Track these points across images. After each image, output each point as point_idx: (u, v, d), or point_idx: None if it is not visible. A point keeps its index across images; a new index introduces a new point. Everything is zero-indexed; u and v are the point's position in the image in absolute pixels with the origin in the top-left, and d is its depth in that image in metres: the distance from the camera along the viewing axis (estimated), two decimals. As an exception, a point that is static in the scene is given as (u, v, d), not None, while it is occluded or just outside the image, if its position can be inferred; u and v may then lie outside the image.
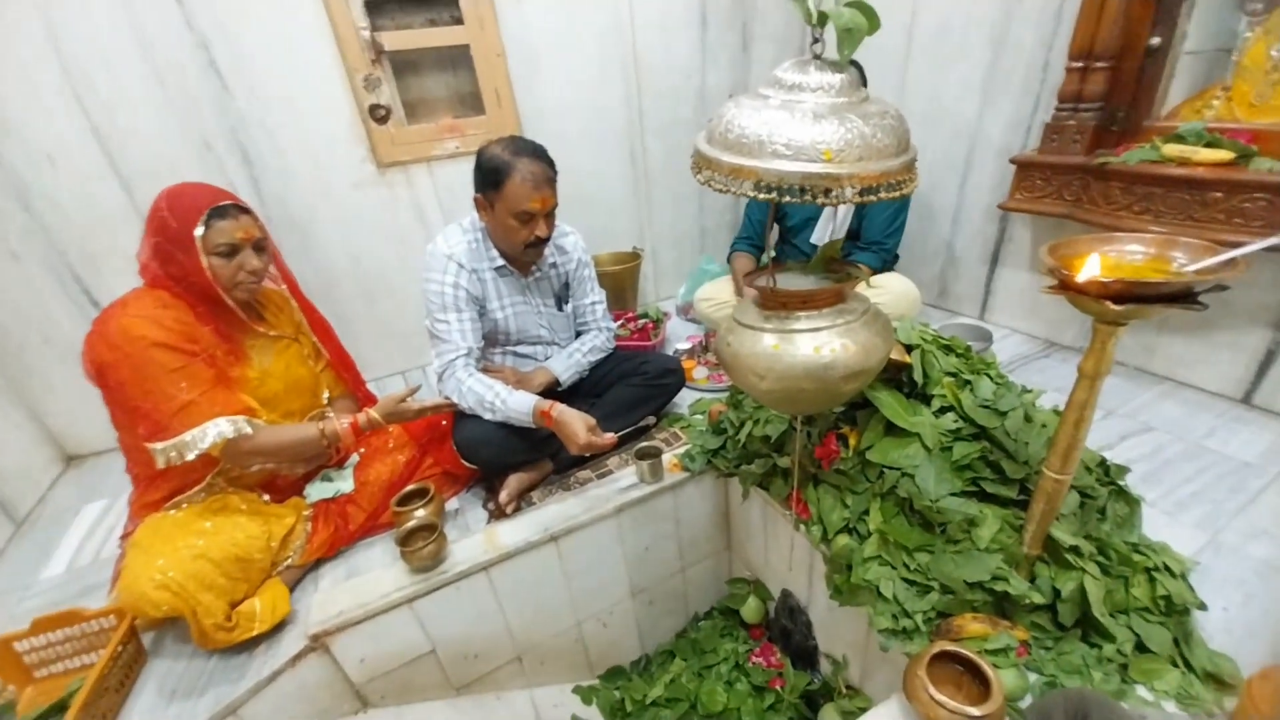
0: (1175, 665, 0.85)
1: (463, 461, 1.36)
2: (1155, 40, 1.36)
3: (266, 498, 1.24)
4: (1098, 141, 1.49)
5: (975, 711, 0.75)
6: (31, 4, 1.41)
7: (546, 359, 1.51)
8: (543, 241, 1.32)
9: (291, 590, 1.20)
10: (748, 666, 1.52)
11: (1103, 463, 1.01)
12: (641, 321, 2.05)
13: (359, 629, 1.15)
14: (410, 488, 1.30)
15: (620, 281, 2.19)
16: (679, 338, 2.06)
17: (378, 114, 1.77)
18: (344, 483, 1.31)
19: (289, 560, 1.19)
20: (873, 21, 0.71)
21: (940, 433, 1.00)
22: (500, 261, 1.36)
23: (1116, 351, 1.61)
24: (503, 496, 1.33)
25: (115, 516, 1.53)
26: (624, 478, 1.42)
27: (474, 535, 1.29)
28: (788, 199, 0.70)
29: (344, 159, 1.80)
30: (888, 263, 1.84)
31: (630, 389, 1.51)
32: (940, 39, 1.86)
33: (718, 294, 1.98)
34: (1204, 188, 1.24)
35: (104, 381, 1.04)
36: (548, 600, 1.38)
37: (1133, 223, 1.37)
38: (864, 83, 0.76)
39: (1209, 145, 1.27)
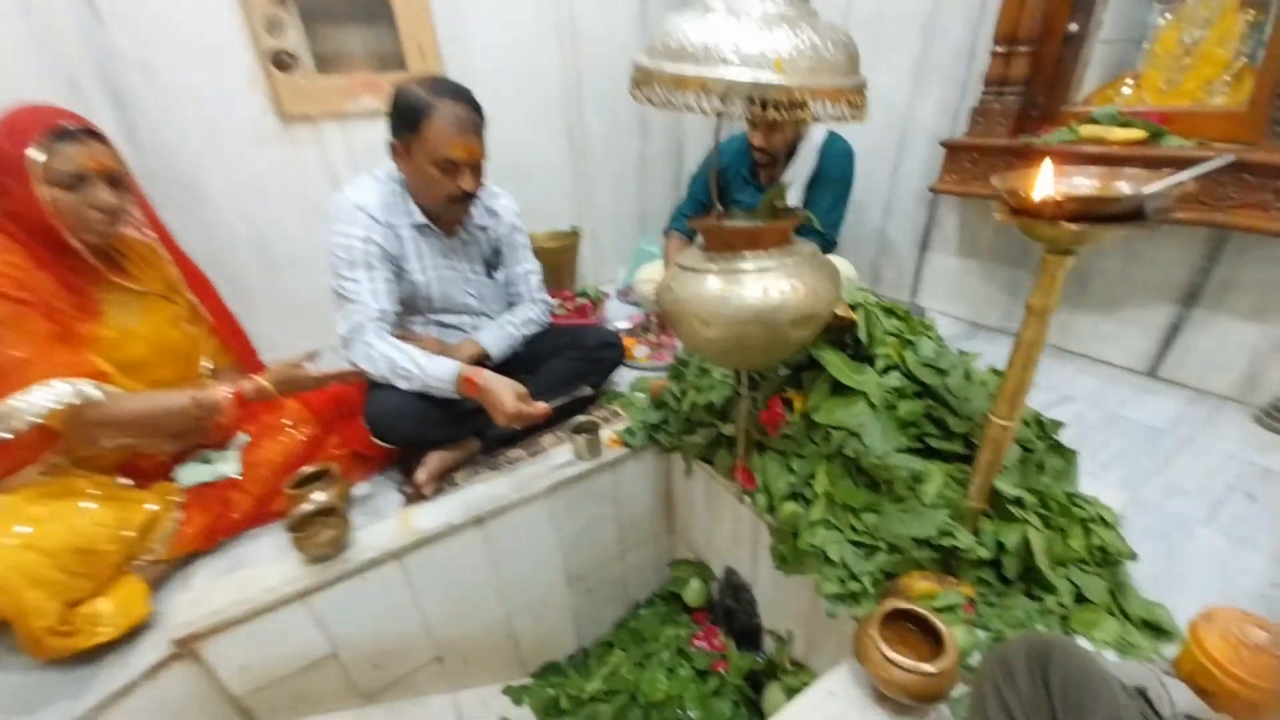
0: (1112, 615, 0.85)
1: (374, 439, 1.20)
2: (1073, 27, 1.43)
3: (126, 481, 1.04)
4: (1021, 125, 1.55)
5: (930, 668, 0.71)
6: None
7: (475, 330, 1.38)
8: (469, 197, 1.20)
9: (155, 589, 1.01)
10: (690, 651, 1.45)
11: (1038, 419, 1.02)
12: (580, 301, 1.95)
13: (239, 631, 0.98)
14: (308, 468, 1.13)
15: (557, 260, 2.09)
16: (619, 318, 1.97)
17: (281, 60, 1.57)
18: (226, 465, 1.13)
19: (152, 554, 1.00)
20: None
21: (885, 391, 0.97)
22: (421, 219, 1.23)
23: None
24: (421, 475, 1.19)
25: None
26: (559, 455, 1.31)
27: (386, 520, 1.14)
28: (734, 116, 0.64)
29: (240, 108, 1.59)
30: (828, 250, 1.85)
31: (567, 362, 1.40)
32: (873, 29, 1.90)
33: (658, 274, 1.92)
34: (1121, 164, 1.31)
35: None
36: (472, 591, 1.24)
37: (1053, 200, 1.42)
38: None
39: (1122, 126, 1.34)
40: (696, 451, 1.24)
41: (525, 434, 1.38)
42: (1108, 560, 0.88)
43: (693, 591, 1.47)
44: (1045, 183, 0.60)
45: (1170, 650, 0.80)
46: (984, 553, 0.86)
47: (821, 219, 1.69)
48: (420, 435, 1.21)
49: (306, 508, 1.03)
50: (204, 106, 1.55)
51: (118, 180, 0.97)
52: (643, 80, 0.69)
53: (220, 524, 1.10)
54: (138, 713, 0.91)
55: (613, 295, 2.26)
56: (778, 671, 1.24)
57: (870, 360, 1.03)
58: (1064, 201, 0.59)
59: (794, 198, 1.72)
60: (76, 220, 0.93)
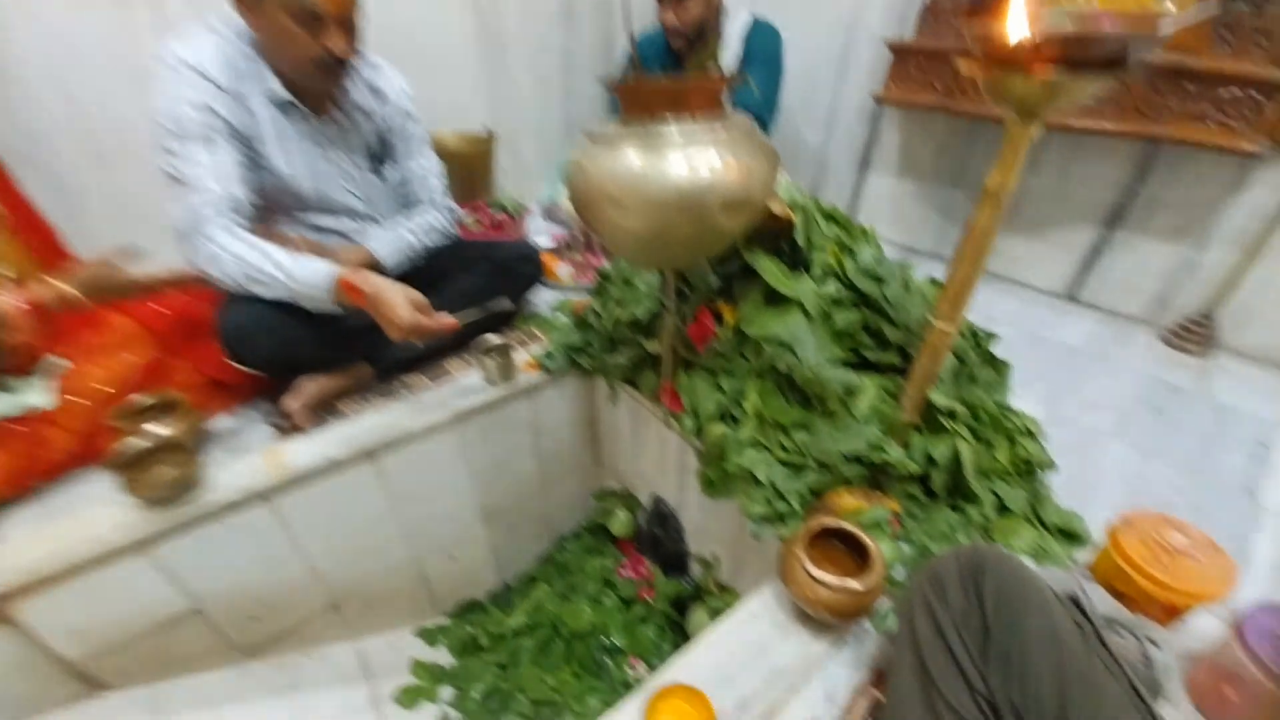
0: (1030, 524, 0.85)
1: (230, 362, 1.00)
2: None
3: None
4: (970, 26, 1.45)
5: (857, 585, 0.66)
6: None
7: (361, 236, 1.16)
8: (339, 64, 0.96)
9: (-60, 548, 0.80)
10: (616, 581, 1.40)
11: (973, 330, 0.97)
12: (496, 215, 1.74)
13: (63, 589, 0.81)
14: (145, 399, 0.92)
15: (470, 168, 1.84)
16: (541, 234, 1.78)
17: None
18: (35, 395, 0.90)
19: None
20: None
21: (822, 300, 0.88)
22: (283, 93, 0.97)
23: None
24: (290, 402, 1.01)
25: None
26: (467, 380, 1.16)
27: (248, 456, 0.97)
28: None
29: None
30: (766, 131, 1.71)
31: (476, 278, 1.22)
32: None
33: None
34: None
35: None
36: (369, 533, 1.11)
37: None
38: None
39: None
40: (620, 373, 1.13)
41: (428, 357, 1.22)
42: (1029, 471, 0.86)
43: (619, 522, 1.41)
44: (1018, 15, 0.49)
45: (1083, 556, 0.80)
46: (913, 467, 0.82)
47: (754, 99, 1.55)
48: (289, 356, 1.01)
49: (138, 443, 0.84)
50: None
51: None
52: None
53: (34, 466, 0.90)
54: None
55: (535, 211, 2.04)
56: (704, 595, 1.21)
57: (807, 268, 0.93)
58: (1043, 44, 0.49)
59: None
60: None
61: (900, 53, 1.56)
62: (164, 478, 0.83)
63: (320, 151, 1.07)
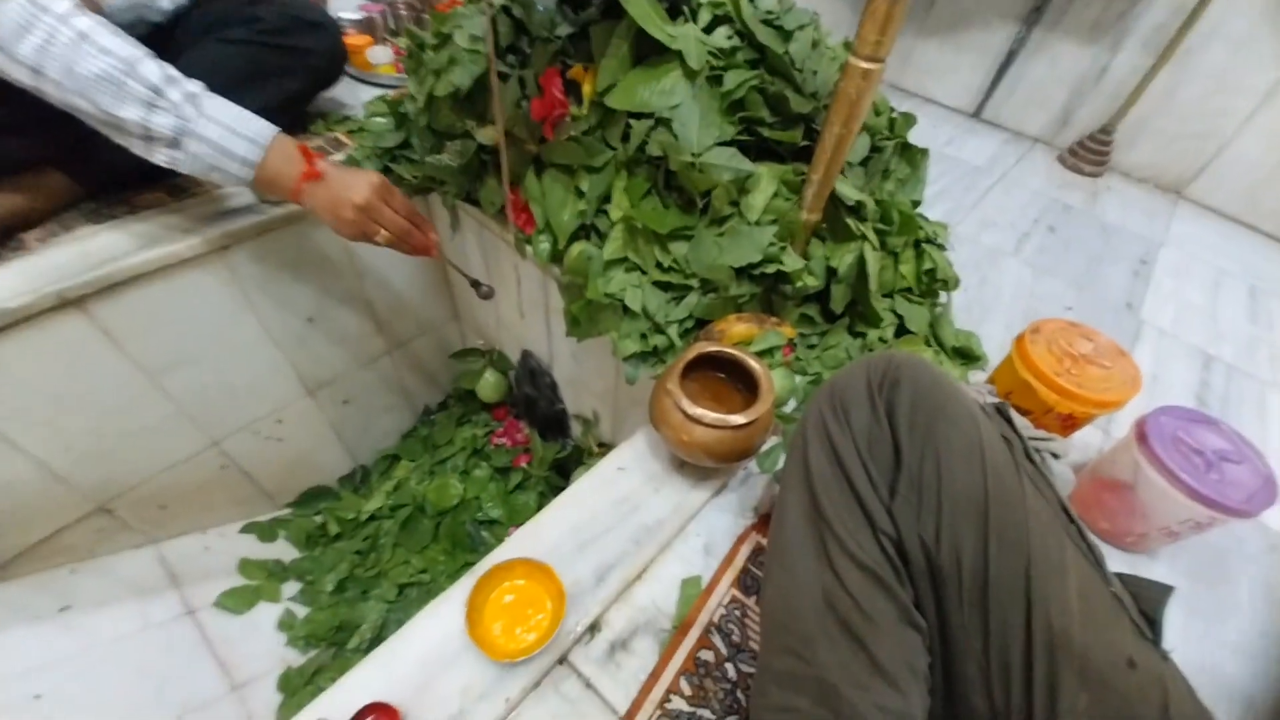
0: (928, 345, 0.75)
1: None
2: None
3: None
4: None
5: (739, 419, 0.51)
6: None
7: None
8: None
9: None
10: (489, 450, 1.25)
11: (889, 110, 0.79)
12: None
13: None
14: None
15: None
16: (346, 9, 1.30)
17: None
18: None
19: None
20: None
21: (709, 52, 0.64)
22: None
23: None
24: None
25: None
26: (232, 197, 0.82)
27: None
28: None
29: None
30: None
31: (229, 47, 0.83)
32: None
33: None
34: None
35: None
36: (122, 414, 0.82)
37: None
38: None
39: None
40: (455, 186, 0.85)
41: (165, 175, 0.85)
42: (933, 289, 0.75)
43: (488, 386, 1.21)
44: None
45: (978, 377, 0.73)
46: (813, 281, 0.67)
47: None
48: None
49: None
50: None
51: None
52: None
53: None
54: None
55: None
56: (583, 456, 1.09)
57: (692, 12, 0.67)
58: None
59: None
60: None
61: None
62: None
63: None
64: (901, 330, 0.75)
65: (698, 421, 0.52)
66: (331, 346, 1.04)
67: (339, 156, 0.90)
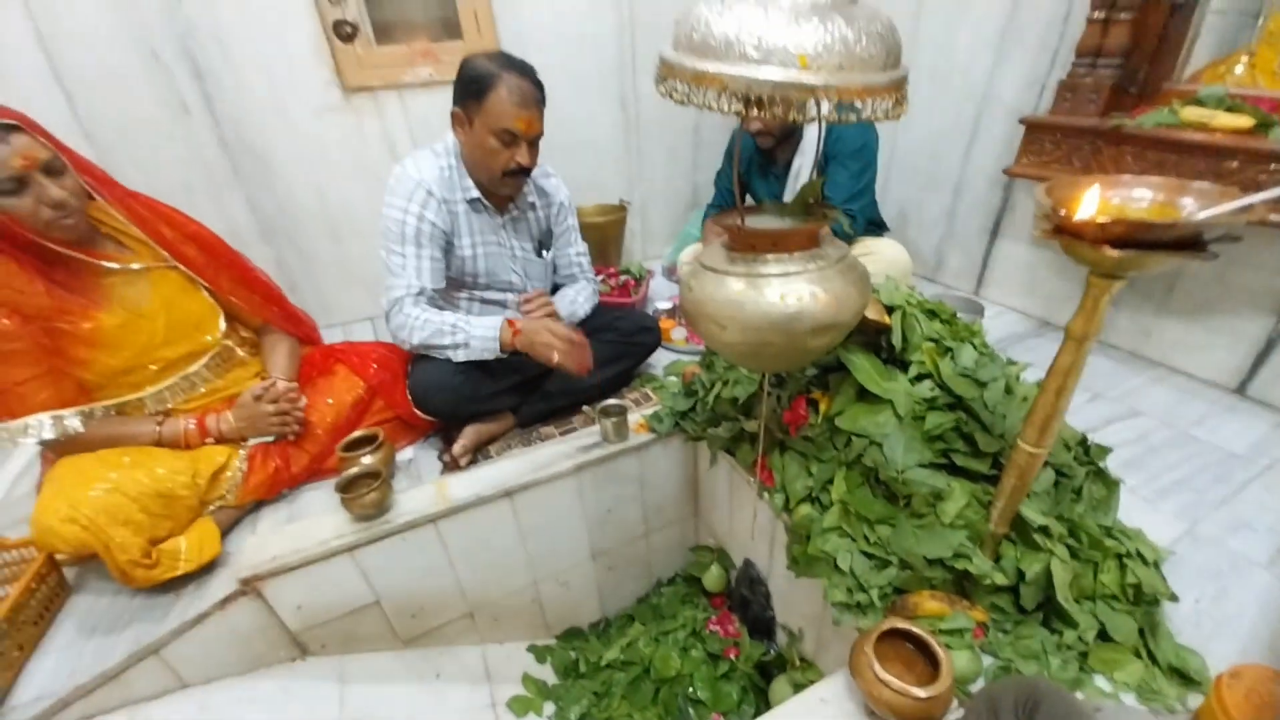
0: (1139, 657, 0.81)
1: (416, 410, 1.28)
2: (1186, -8, 1.25)
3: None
4: (1113, 103, 1.39)
5: (920, 693, 0.70)
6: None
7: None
8: (524, 171, 1.22)
9: (227, 532, 1.14)
10: (705, 634, 1.49)
11: (1083, 441, 0.95)
12: (623, 278, 1.96)
13: (295, 575, 1.10)
14: (359, 433, 1.23)
15: (604, 235, 2.09)
16: (661, 298, 1.97)
17: (343, 31, 1.62)
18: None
19: (222, 499, 1.12)
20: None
21: (915, 401, 0.93)
22: (474, 193, 1.26)
23: (1111, 333, 1.52)
24: (457, 448, 1.27)
25: (55, 449, 1.46)
26: (587, 436, 1.35)
27: (424, 486, 1.23)
28: (756, 114, 0.61)
29: (306, 80, 1.67)
30: (862, 227, 1.71)
31: (603, 345, 1.42)
32: (958, -13, 1.73)
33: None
34: (1221, 156, 1.15)
35: None
36: (502, 558, 1.33)
37: (1143, 193, 1.28)
38: None
39: (1230, 110, 1.17)
40: (721, 444, 1.24)
41: (559, 413, 1.43)
42: (1142, 599, 0.82)
43: (712, 577, 1.50)
44: (1090, 205, 0.55)
45: (1195, 701, 0.75)
46: (1001, 579, 0.83)
47: (841, 195, 1.57)
48: (457, 409, 1.28)
49: (354, 470, 1.13)
50: (273, 77, 1.64)
51: (57, 168, 0.93)
52: (666, 73, 0.67)
53: (280, 477, 1.22)
54: (211, 638, 1.05)
55: (658, 273, 2.24)
56: (786, 665, 1.26)
57: (904, 366, 0.99)
58: (1109, 224, 0.54)
59: (806, 173, 1.62)
60: (36, 223, 0.92)
61: (1034, 127, 1.52)
62: (370, 499, 1.10)
63: (496, 239, 1.35)
64: (1105, 634, 0.83)
65: (885, 684, 0.72)
66: (614, 528, 1.47)
67: (649, 411, 1.39)
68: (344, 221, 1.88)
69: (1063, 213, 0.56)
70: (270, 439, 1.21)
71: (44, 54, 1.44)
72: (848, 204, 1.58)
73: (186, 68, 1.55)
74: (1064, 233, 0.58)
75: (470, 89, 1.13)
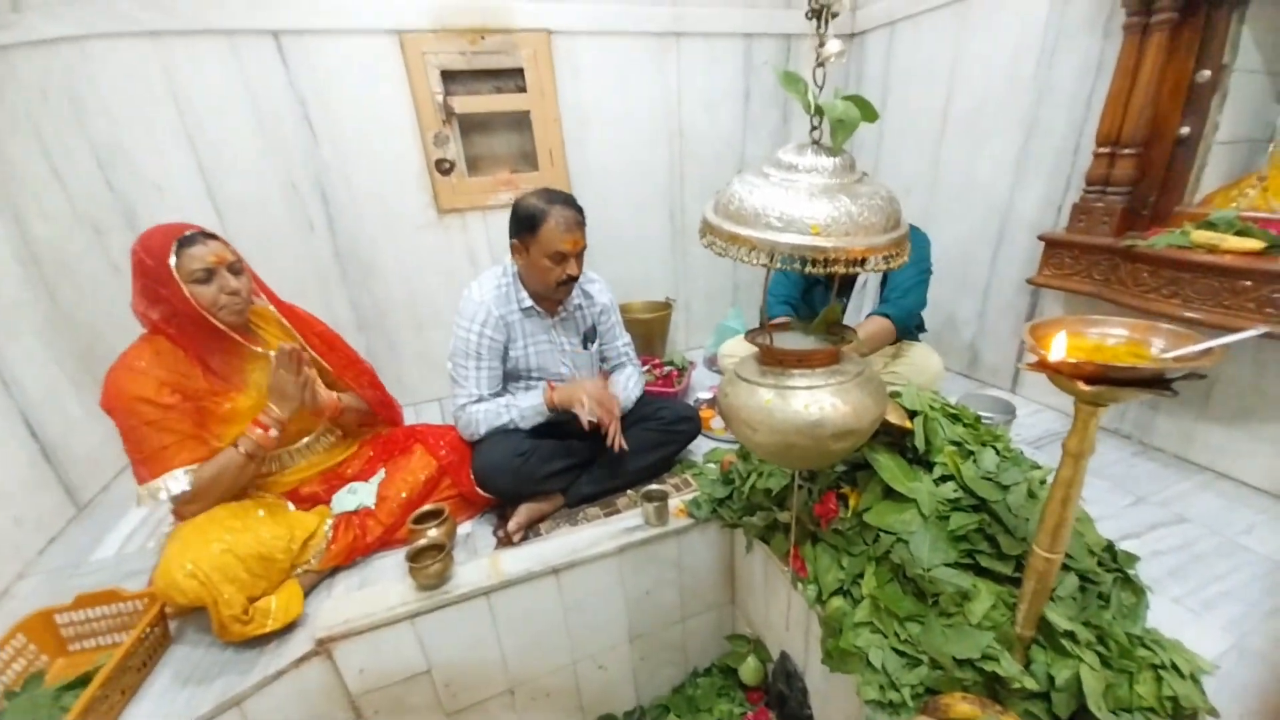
0: (1182, 775, 0.80)
1: (477, 489, 1.43)
2: (1185, 130, 1.38)
3: (292, 506, 1.34)
4: (1128, 223, 1.50)
5: (948, 792, 0.73)
6: (151, 48, 1.61)
7: None
8: (573, 280, 1.43)
9: (308, 593, 1.27)
10: (741, 730, 1.48)
11: (1110, 547, 0.98)
12: (667, 369, 2.11)
13: (362, 639, 1.21)
14: (427, 507, 1.37)
15: (650, 329, 2.28)
16: (702, 387, 2.10)
17: (443, 167, 1.96)
18: (367, 496, 1.40)
19: (308, 564, 1.27)
20: (867, 113, 0.79)
21: (938, 501, 1.00)
22: (528, 303, 1.47)
23: (1154, 436, 1.55)
24: (511, 525, 1.39)
25: (165, 510, 1.66)
26: (630, 518, 1.45)
27: (480, 559, 1.34)
28: (779, 266, 0.77)
29: (410, 204, 2.00)
30: (910, 328, 1.81)
31: (645, 433, 1.56)
32: (974, 119, 1.93)
33: (738, 350, 2.02)
34: (1233, 275, 1.23)
35: (113, 420, 1.16)
36: (544, 634, 1.40)
37: (1161, 305, 1.35)
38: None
39: (1240, 234, 1.26)
40: (756, 532, 1.31)
41: (603, 494, 1.54)
42: (1180, 713, 0.82)
43: (749, 669, 1.51)
44: (1059, 349, 0.66)
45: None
46: (1031, 684, 0.85)
47: (896, 303, 1.69)
48: (514, 488, 1.42)
49: (422, 542, 1.26)
50: (384, 204, 1.98)
51: (237, 269, 1.20)
52: (707, 230, 0.84)
53: (357, 545, 1.36)
54: (281, 695, 1.15)
55: (699, 364, 2.40)
56: (825, 767, 1.24)
57: (929, 466, 1.06)
58: (1081, 364, 0.64)
59: (873, 283, 1.75)
60: (214, 305, 1.17)
61: (1053, 244, 1.64)
62: (434, 570, 1.22)
63: (547, 338, 1.54)
64: (1146, 752, 0.82)
65: (916, 782, 0.75)
66: (652, 611, 1.52)
67: (688, 497, 1.48)
68: (427, 315, 2.15)
69: (1042, 353, 0.67)
70: (352, 509, 1.37)
71: (204, 181, 1.80)
72: (904, 311, 1.66)
73: (316, 195, 1.90)
74: (1047, 368, 0.68)
75: (525, 224, 1.36)
